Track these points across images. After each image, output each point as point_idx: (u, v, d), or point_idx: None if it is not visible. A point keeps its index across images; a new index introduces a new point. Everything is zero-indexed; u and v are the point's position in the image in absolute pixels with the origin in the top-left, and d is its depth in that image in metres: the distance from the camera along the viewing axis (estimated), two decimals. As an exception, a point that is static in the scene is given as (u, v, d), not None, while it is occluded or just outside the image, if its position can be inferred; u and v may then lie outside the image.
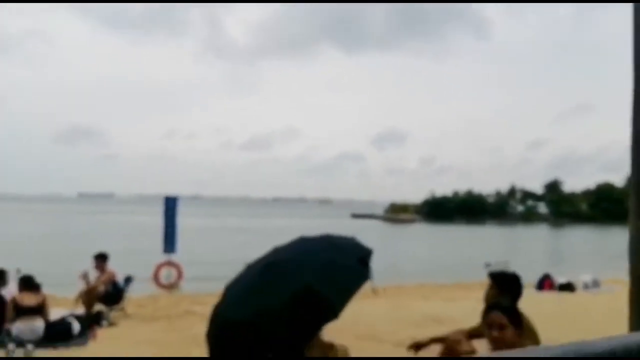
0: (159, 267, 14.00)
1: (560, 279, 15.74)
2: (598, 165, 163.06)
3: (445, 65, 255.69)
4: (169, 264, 14.19)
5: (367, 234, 62.10)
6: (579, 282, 15.58)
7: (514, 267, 30.61)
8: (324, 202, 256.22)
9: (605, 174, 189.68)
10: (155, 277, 13.90)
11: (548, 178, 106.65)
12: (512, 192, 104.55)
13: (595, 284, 15.46)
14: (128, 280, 10.54)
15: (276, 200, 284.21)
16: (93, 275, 9.92)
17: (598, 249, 45.95)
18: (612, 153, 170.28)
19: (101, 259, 9.97)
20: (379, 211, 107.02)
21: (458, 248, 45.34)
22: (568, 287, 15.14)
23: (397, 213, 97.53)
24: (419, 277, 24.50)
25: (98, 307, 9.76)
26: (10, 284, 8.37)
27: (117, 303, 10.06)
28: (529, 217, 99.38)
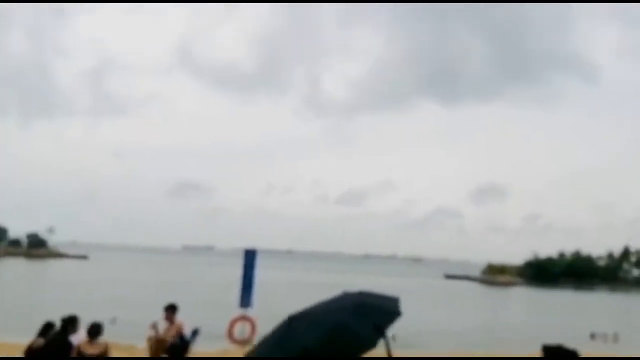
0: (233, 322, 14.08)
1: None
2: None
3: (549, 113, 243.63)
4: (244, 318, 14.24)
5: (460, 297, 59.21)
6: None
7: (624, 338, 27.40)
8: (416, 261, 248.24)
9: None
10: (229, 332, 13.97)
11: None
12: (626, 253, 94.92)
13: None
14: (195, 332, 10.67)
15: (366, 257, 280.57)
16: (163, 326, 10.20)
17: None
18: None
19: (171, 310, 10.23)
20: (475, 272, 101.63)
21: (560, 316, 41.50)
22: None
23: (494, 275, 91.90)
24: (510, 347, 22.68)
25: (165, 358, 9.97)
26: (80, 331, 8.85)
27: (182, 355, 10.20)
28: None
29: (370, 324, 3.77)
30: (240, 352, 13.54)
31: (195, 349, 10.93)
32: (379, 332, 3.74)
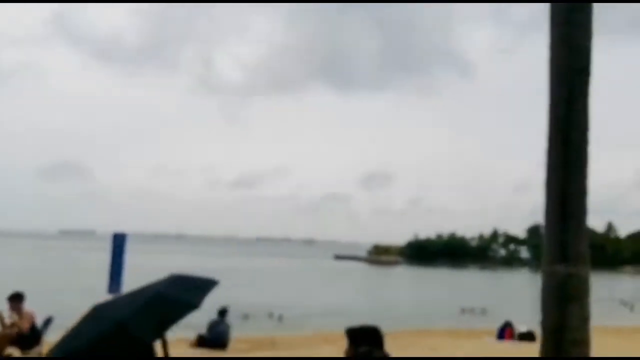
0: None
1: (521, 328, 15.16)
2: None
3: (434, 105, 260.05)
4: None
5: (346, 276, 61.29)
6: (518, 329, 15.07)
7: (489, 313, 29.87)
8: (308, 243, 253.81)
9: (590, 218, 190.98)
10: None
11: (532, 222, 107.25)
12: (494, 235, 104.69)
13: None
14: (47, 322, 9.84)
15: (260, 240, 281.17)
16: (8, 317, 9.23)
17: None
18: (595, 197, 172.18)
19: (16, 299, 9.31)
20: (363, 253, 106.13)
21: (435, 293, 44.59)
22: (528, 337, 14.57)
23: (380, 255, 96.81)
24: (384, 323, 23.78)
25: (11, 350, 9.09)
26: None
27: (32, 347, 9.34)
28: (511, 261, 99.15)
29: (189, 290, 4.06)
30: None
31: (49, 339, 10.02)
32: (199, 296, 4.00)
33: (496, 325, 16.76)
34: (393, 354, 4.16)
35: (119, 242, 13.72)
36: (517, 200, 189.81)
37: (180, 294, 4.01)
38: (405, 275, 70.67)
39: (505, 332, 15.13)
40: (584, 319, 4.02)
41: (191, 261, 74.72)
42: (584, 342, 4.01)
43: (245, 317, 25.05)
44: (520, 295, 45.63)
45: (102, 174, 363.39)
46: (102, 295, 12.99)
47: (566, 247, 4.07)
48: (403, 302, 36.64)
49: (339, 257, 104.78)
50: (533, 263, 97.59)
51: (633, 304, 36.75)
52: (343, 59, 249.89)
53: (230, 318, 24.86)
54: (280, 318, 25.13)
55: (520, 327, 15.28)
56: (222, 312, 12.67)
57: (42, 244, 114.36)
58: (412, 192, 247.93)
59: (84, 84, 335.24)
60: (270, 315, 25.47)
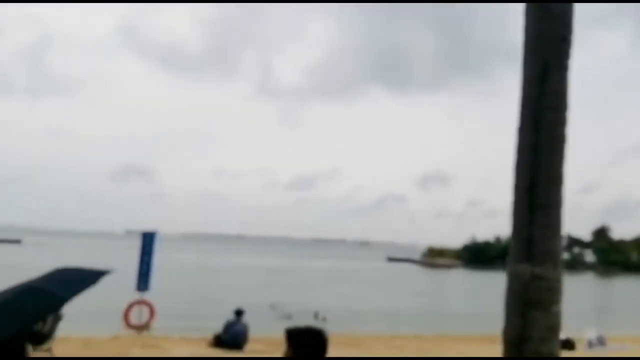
0: (130, 306, 13.75)
1: (560, 335, 14.51)
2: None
3: (492, 105, 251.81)
4: (141, 302, 13.94)
5: (398, 278, 60.53)
6: (582, 338, 14.40)
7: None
8: (363, 244, 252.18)
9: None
10: (125, 317, 13.63)
11: (599, 223, 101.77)
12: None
13: (601, 341, 14.19)
14: (57, 318, 9.74)
15: (315, 241, 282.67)
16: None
17: (630, 302, 42.85)
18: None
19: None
20: (419, 255, 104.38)
21: (489, 297, 43.30)
22: (567, 345, 13.94)
23: (434, 258, 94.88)
24: (428, 327, 23.50)
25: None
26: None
27: (42, 343, 9.39)
28: (575, 265, 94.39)
29: (69, 282, 3.95)
30: (126, 337, 13.09)
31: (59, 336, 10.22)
32: (75, 289, 3.89)
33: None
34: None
35: (148, 241, 14.07)
36: (583, 201, 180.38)
37: (54, 287, 3.83)
38: (460, 278, 68.97)
39: None
40: (551, 329, 3.43)
41: (247, 261, 76.46)
42: (550, 355, 3.43)
43: (289, 316, 25.45)
44: (579, 301, 43.57)
45: (166, 177, 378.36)
46: (131, 293, 13.54)
47: (532, 243, 3.43)
48: (453, 306, 35.90)
49: (392, 260, 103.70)
50: (599, 267, 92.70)
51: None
52: (399, 59, 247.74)
53: (274, 317, 25.54)
54: (324, 319, 25.30)
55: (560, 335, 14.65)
56: (239, 313, 12.86)
57: (109, 244, 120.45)
58: (471, 194, 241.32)
59: (149, 91, 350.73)
60: (316, 315, 25.70)
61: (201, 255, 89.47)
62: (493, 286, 59.64)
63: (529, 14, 3.68)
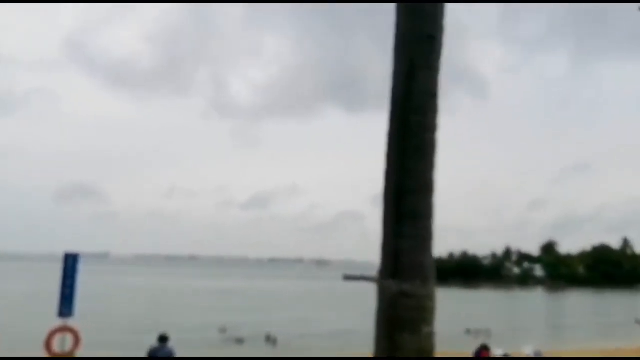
0: (52, 333, 12.64)
1: (498, 351, 14.26)
2: (598, 225, 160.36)
3: (443, 124, 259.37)
4: (65, 329, 12.83)
5: (353, 298, 60.26)
6: (521, 353, 14.24)
7: (495, 334, 28.94)
8: (321, 263, 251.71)
9: (606, 234, 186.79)
10: (47, 344, 12.51)
11: (546, 239, 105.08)
12: (507, 253, 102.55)
13: (538, 356, 13.98)
14: None
15: (272, 261, 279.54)
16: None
17: (586, 316, 43.99)
18: (611, 212, 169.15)
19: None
20: (374, 273, 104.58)
21: (443, 313, 43.40)
22: None
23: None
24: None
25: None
26: None
27: None
28: (525, 280, 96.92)
29: None
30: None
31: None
32: None
33: (497, 348, 15.92)
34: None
35: (71, 263, 13.12)
36: (531, 217, 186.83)
37: None
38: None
39: (482, 354, 14.26)
40: (422, 352, 3.00)
41: (199, 283, 74.25)
42: None
43: (239, 340, 24.55)
44: (530, 316, 44.39)
45: (116, 197, 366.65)
46: (52, 319, 12.46)
47: (399, 256, 3.07)
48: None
49: (348, 278, 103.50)
50: (548, 281, 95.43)
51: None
52: (353, 79, 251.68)
53: (223, 340, 24.49)
54: (274, 342, 24.51)
55: (497, 351, 14.39)
56: (163, 339, 11.95)
57: (50, 267, 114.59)
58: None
59: (98, 109, 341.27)
60: (268, 338, 24.89)
61: (152, 277, 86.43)
62: (447, 301, 60.16)
63: (398, 14, 3.46)
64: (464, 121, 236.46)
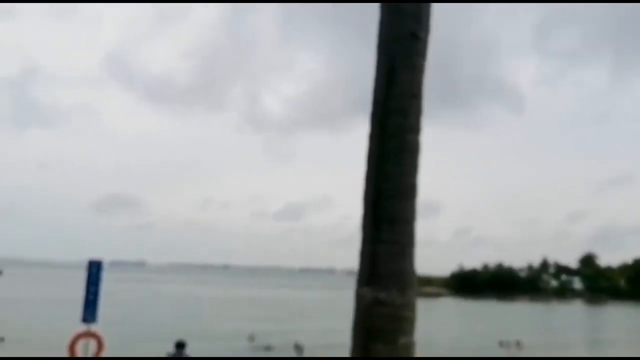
0: (75, 338, 12.97)
1: None
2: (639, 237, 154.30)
3: (478, 138, 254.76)
4: (88, 334, 13.15)
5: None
6: None
7: (526, 346, 28.29)
8: (352, 273, 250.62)
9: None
10: (71, 349, 12.83)
11: (586, 251, 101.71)
12: (544, 265, 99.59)
13: None
14: None
15: (303, 271, 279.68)
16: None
17: (626, 331, 42.31)
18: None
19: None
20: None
21: (477, 326, 42.57)
22: None
23: (421, 286, 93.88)
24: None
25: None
26: None
27: None
28: (563, 292, 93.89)
29: None
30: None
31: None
32: None
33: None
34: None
35: (94, 270, 13.45)
36: (570, 229, 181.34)
37: None
38: (448, 307, 68.10)
39: None
40: None
41: (231, 292, 74.94)
42: None
43: (268, 347, 24.75)
44: (567, 329, 42.97)
45: (153, 207, 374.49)
46: (76, 324, 12.84)
47: (375, 263, 2.95)
48: (438, 335, 35.09)
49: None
50: (587, 294, 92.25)
51: None
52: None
53: (251, 348, 24.67)
54: (301, 350, 24.54)
55: None
56: (180, 345, 12.11)
57: (82, 275, 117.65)
58: (459, 223, 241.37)
59: (137, 123, 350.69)
60: (296, 347, 24.95)
61: (184, 285, 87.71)
62: (482, 314, 59.05)
63: (382, 13, 3.35)
64: (500, 135, 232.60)
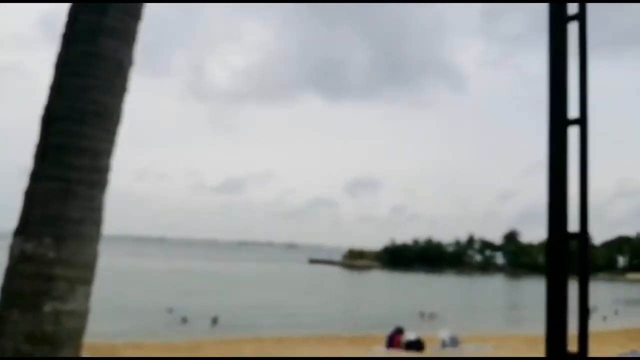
0: None
1: (410, 335, 14.18)
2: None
3: (421, 116, 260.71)
4: None
5: (314, 279, 60.58)
6: (436, 337, 14.33)
7: (439, 318, 29.58)
8: (291, 247, 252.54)
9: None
10: None
11: (509, 228, 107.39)
12: (470, 241, 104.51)
13: (454, 341, 13.98)
14: None
15: (242, 244, 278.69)
16: None
17: (530, 300, 45.27)
18: (574, 206, 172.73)
19: None
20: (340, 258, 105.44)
21: (400, 297, 44.07)
22: (416, 345, 13.71)
23: (354, 259, 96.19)
24: (322, 328, 23.27)
25: None
26: None
27: None
28: (487, 267, 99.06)
29: None
30: None
31: None
32: None
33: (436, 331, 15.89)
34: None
35: None
36: (499, 209, 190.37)
37: None
38: (377, 279, 70.10)
39: (395, 339, 14.25)
40: (42, 337, 2.20)
41: (163, 264, 73.56)
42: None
43: (184, 320, 24.51)
44: (484, 300, 45.41)
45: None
46: None
47: (32, 205, 2.35)
48: (364, 305, 36.08)
49: (313, 261, 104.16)
50: (508, 269, 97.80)
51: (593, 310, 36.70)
52: (334, 68, 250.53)
53: (168, 321, 24.34)
54: (214, 321, 24.51)
55: (409, 335, 14.35)
56: None
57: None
58: (397, 200, 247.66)
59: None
60: (214, 320, 24.80)
61: (117, 258, 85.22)
62: (408, 286, 61.00)
63: None
64: (442, 114, 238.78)
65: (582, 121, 1.74)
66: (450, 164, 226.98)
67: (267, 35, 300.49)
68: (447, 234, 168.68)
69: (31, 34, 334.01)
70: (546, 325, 1.65)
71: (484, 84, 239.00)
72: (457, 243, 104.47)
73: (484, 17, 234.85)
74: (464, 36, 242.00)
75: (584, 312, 1.62)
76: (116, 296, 31.24)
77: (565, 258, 1.68)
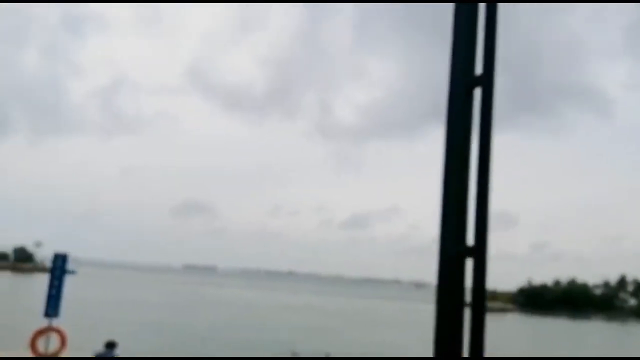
0: (37, 333, 12.68)
1: None
2: None
3: (562, 145, 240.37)
4: (50, 329, 12.80)
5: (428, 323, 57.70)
6: None
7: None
8: (418, 285, 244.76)
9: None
10: (32, 344, 12.52)
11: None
12: (622, 282, 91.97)
13: None
14: None
15: (367, 281, 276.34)
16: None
17: None
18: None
19: None
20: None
21: (547, 346, 39.64)
22: None
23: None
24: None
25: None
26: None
27: None
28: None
29: None
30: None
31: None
32: None
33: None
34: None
35: (59, 264, 13.12)
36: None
37: None
38: (512, 324, 64.24)
39: None
40: None
41: (289, 299, 75.10)
42: None
43: (294, 354, 24.47)
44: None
45: (226, 213, 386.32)
46: (39, 319, 12.49)
47: None
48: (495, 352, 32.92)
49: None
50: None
51: None
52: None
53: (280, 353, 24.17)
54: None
55: None
56: (110, 345, 11.54)
57: (164, 278, 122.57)
58: (536, 237, 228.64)
59: (214, 131, 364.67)
60: (327, 356, 24.19)
61: (248, 291, 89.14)
62: (548, 333, 54.89)
63: None
64: (585, 142, 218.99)
65: None
66: (596, 197, 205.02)
67: (390, 70, 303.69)
68: (594, 275, 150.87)
69: (178, 83, 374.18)
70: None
71: (632, 107, 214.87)
72: (607, 284, 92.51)
73: (626, 34, 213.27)
74: (606, 57, 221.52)
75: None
76: (243, 330, 32.23)
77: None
